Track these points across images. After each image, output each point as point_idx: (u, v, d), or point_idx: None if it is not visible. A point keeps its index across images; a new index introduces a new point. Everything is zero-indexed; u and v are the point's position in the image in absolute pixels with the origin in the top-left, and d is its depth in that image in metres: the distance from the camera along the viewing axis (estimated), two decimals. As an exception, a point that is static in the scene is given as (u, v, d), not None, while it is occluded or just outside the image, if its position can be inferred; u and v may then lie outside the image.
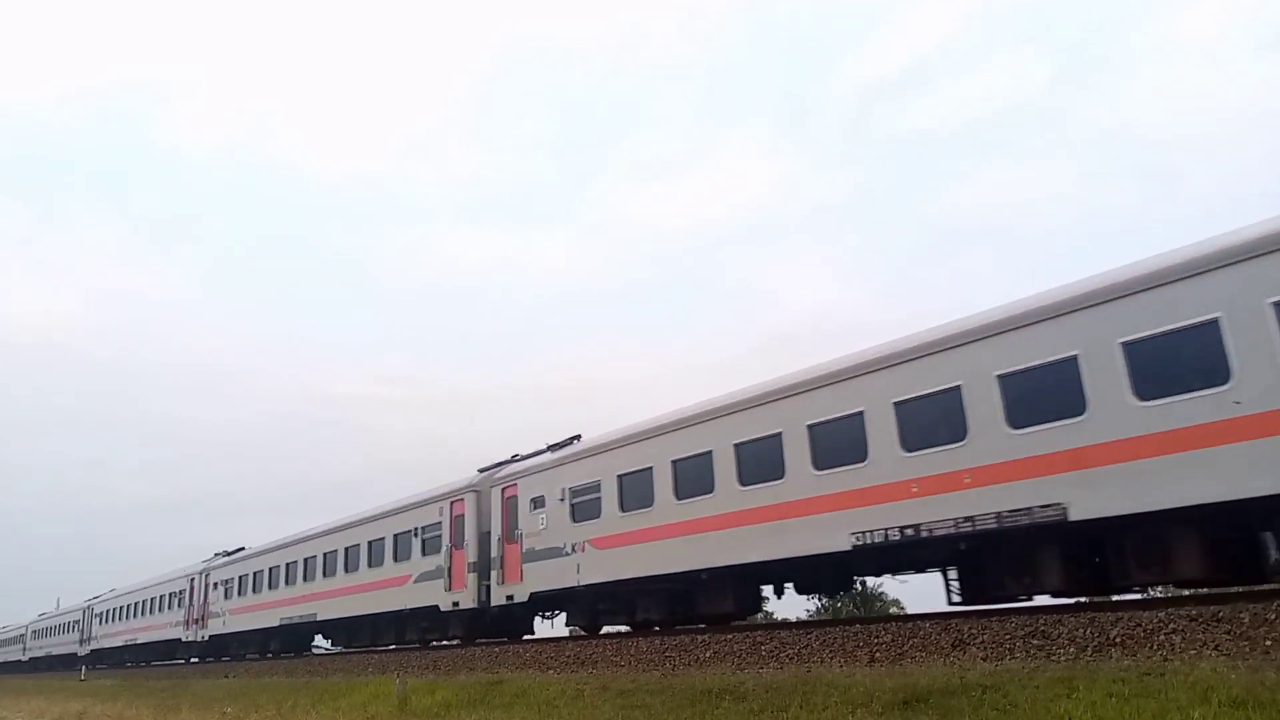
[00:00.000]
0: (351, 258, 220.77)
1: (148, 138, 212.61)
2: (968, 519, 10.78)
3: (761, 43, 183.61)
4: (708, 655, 12.47)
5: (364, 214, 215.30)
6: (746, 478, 13.79)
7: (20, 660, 63.79)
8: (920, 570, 13.25)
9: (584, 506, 17.09)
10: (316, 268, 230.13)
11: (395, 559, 22.76)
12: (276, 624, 28.41)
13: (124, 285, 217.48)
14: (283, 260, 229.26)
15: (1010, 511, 10.41)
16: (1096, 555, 10.67)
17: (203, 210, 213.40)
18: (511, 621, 20.34)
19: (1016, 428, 10.54)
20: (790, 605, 45.15)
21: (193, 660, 37.08)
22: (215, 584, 34.02)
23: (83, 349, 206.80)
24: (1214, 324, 9.04)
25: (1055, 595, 11.07)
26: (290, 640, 29.70)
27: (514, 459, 20.61)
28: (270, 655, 30.39)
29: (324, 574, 26.16)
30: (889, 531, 11.53)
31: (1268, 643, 7.58)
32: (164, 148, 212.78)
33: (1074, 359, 10.05)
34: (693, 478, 14.74)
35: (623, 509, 16.11)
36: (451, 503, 21.13)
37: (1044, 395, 10.35)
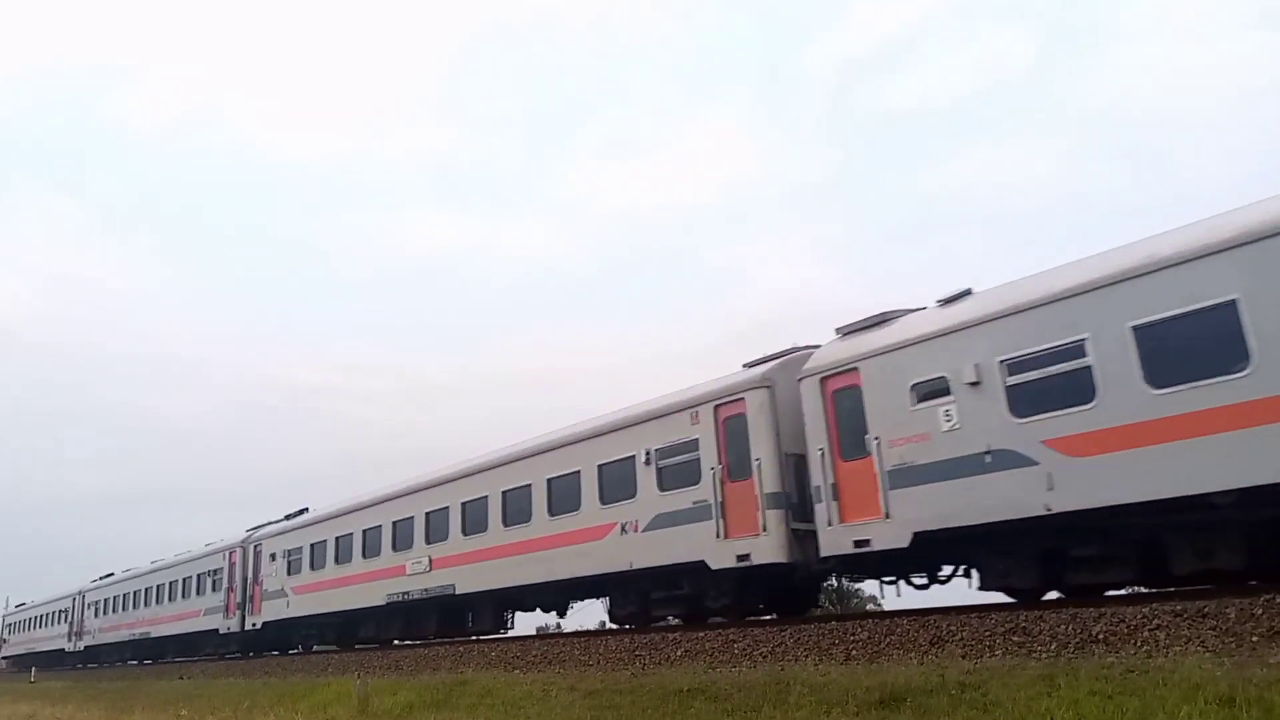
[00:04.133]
0: (311, 242, 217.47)
1: (100, 119, 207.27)
2: None
3: (737, 16, 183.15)
4: (679, 654, 12.18)
5: (324, 196, 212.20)
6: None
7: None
8: None
9: None
10: (276, 252, 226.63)
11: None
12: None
13: (78, 270, 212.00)
14: (242, 244, 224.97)
15: None
16: None
17: (159, 193, 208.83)
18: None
19: None
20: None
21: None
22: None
23: (34, 337, 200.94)
24: None
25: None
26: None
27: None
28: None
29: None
30: None
31: (1254, 639, 7.42)
32: (117, 128, 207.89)
33: None
34: None
35: None
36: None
37: None
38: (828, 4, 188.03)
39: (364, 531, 21.88)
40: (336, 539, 23.04)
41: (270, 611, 25.48)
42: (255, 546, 26.87)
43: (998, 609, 10.28)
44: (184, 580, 30.98)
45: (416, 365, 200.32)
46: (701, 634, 12.50)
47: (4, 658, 54.33)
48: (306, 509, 26.67)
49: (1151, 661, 7.52)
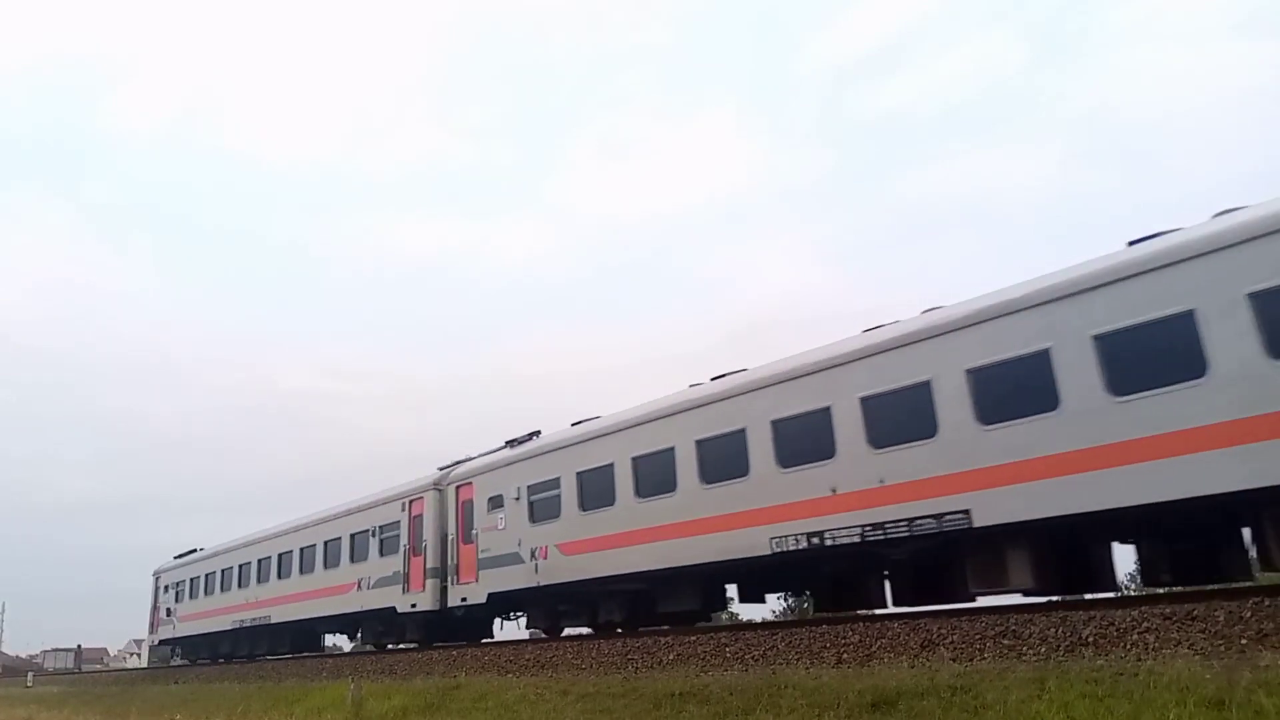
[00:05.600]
0: (304, 245, 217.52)
1: (94, 122, 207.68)
2: None
3: (731, 18, 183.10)
4: (671, 657, 12.15)
5: (317, 200, 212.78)
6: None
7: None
8: None
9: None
10: (269, 255, 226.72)
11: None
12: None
13: (71, 274, 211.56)
14: (235, 248, 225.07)
15: None
16: None
17: (152, 197, 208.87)
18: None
19: None
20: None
21: None
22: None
23: (26, 341, 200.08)
24: None
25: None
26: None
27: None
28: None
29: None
30: None
31: (1243, 641, 7.42)
32: (111, 132, 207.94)
33: None
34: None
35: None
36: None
37: None
38: (820, 7, 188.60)
39: None
40: None
41: None
42: None
43: (988, 612, 10.26)
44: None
45: (409, 368, 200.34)
46: (693, 638, 12.47)
47: (165, 643, 32.43)
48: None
49: (1141, 664, 7.50)
